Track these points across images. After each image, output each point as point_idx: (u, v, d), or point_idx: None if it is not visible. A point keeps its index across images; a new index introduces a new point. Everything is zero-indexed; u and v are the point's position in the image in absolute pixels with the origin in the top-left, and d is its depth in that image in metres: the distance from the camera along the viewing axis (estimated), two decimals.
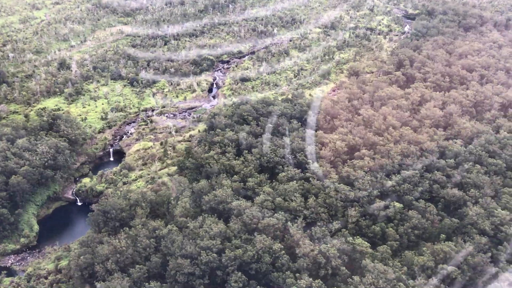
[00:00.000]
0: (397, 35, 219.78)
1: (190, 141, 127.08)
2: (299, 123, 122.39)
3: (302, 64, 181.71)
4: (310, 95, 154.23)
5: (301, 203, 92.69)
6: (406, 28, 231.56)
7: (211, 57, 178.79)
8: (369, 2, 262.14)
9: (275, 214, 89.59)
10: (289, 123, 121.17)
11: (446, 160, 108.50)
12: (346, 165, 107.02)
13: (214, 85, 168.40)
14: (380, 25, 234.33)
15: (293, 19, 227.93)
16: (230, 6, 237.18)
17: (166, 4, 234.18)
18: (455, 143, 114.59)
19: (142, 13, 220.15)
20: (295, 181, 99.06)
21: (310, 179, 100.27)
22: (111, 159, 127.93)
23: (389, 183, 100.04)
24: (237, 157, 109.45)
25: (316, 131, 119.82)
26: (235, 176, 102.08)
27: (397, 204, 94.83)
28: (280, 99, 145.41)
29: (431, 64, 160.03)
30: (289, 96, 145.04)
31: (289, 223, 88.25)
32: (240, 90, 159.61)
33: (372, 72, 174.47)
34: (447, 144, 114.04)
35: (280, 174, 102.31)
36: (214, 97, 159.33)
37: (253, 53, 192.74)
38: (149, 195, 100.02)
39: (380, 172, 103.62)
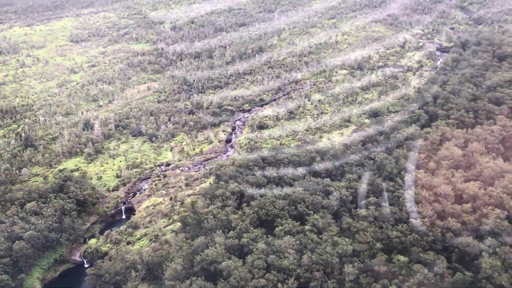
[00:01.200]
0: (427, 71, 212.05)
1: (200, 194, 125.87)
2: (305, 171, 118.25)
3: (323, 108, 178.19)
4: (328, 139, 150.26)
5: (294, 261, 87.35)
6: (439, 63, 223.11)
7: (231, 108, 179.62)
8: (400, 39, 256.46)
9: (267, 274, 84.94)
10: (294, 171, 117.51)
11: (462, 204, 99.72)
12: (348, 215, 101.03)
13: (233, 135, 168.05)
14: (410, 61, 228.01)
15: (318, 62, 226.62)
16: (257, 55, 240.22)
17: (194, 58, 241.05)
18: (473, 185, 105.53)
19: (171, 69, 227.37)
20: (289, 236, 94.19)
21: (307, 232, 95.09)
22: (123, 217, 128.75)
23: (394, 233, 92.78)
24: (237, 210, 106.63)
25: (323, 179, 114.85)
26: (231, 231, 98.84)
27: (401, 258, 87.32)
28: (292, 145, 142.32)
29: (455, 100, 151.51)
30: (300, 143, 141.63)
31: (279, 285, 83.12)
32: (256, 138, 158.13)
33: (397, 112, 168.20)
34: (465, 187, 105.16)
35: (276, 228, 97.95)
36: (232, 147, 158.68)
37: (275, 100, 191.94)
38: (146, 255, 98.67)
39: (386, 221, 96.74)
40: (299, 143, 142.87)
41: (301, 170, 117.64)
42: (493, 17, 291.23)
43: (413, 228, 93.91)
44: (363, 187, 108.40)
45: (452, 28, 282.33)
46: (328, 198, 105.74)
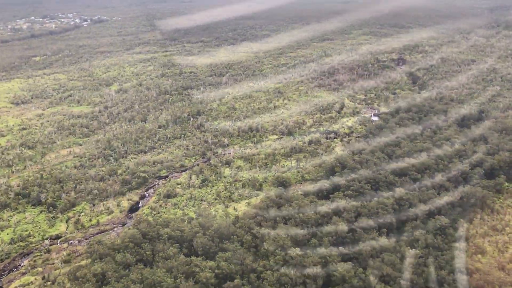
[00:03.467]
0: (355, 137, 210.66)
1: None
2: (178, 249, 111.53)
3: (239, 176, 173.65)
4: (234, 209, 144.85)
5: None
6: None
7: (144, 175, 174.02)
8: (337, 105, 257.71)
9: None
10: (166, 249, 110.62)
11: None
12: None
13: (140, 204, 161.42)
14: (343, 127, 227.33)
15: (250, 128, 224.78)
16: (192, 119, 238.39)
17: (128, 121, 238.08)
18: None
19: (100, 132, 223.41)
20: None
21: None
22: None
23: None
24: None
25: (197, 257, 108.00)
26: None
27: None
28: (186, 218, 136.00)
29: (360, 171, 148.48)
30: (194, 216, 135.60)
31: None
32: (160, 208, 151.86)
33: (309, 180, 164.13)
34: None
35: None
36: (131, 218, 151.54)
37: (194, 166, 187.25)
38: None
39: None
40: (194, 216, 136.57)
41: (171, 249, 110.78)
42: (435, 82, 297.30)
43: None
44: (229, 267, 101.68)
45: (394, 93, 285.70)
46: (191, 280, 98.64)
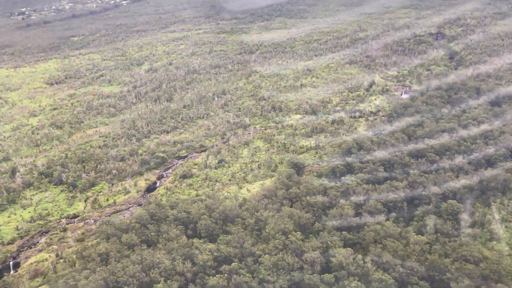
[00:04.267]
0: (381, 117, 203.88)
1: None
2: (182, 231, 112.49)
3: (257, 156, 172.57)
4: (247, 190, 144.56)
5: None
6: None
7: (162, 155, 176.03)
8: (366, 83, 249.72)
9: None
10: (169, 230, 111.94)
11: None
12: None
13: (157, 184, 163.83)
14: (370, 106, 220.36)
15: (273, 107, 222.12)
16: (216, 99, 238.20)
17: (155, 101, 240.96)
18: None
19: (126, 112, 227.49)
20: None
21: None
22: (11, 272, 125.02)
23: None
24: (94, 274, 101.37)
25: (199, 239, 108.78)
26: None
27: None
28: (196, 199, 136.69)
29: (376, 152, 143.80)
30: (204, 197, 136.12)
31: None
32: (175, 188, 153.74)
33: (325, 161, 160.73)
34: None
35: None
36: (147, 198, 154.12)
37: (213, 147, 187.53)
38: None
39: None
40: (203, 197, 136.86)
41: (174, 231, 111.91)
42: (473, 58, 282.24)
43: None
44: (227, 250, 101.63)
45: (428, 70, 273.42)
46: (189, 263, 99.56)
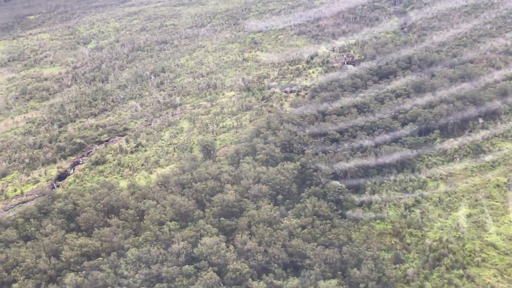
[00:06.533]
0: (315, 91, 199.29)
1: None
2: (60, 226, 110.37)
3: (177, 138, 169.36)
4: (155, 173, 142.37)
5: None
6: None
7: (80, 141, 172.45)
8: (306, 54, 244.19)
9: None
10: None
11: None
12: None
13: (72, 171, 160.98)
14: (306, 79, 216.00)
15: (208, 85, 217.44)
16: (153, 77, 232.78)
17: (90, 82, 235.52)
18: None
19: (58, 96, 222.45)
20: None
21: None
22: None
23: None
24: None
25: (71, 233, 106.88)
26: None
27: None
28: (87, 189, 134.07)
29: (276, 133, 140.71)
30: (99, 185, 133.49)
31: None
32: (85, 176, 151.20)
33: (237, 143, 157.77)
34: None
35: None
36: (58, 186, 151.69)
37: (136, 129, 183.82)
38: None
39: None
40: (98, 186, 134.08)
41: (49, 226, 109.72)
42: (424, 23, 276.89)
43: None
44: (95, 245, 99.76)
45: (378, 38, 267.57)
46: (53, 259, 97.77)
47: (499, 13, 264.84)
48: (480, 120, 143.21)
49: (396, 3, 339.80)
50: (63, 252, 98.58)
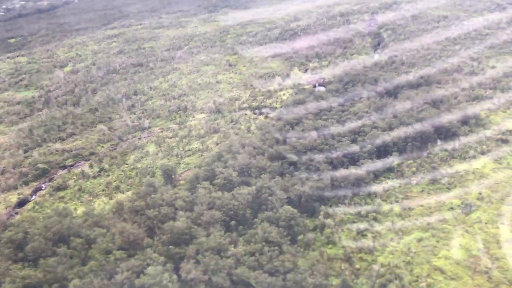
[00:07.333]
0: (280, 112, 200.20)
1: None
2: (7, 256, 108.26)
3: (140, 163, 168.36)
4: (105, 203, 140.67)
5: None
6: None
7: (43, 166, 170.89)
8: (278, 78, 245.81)
9: None
10: None
11: None
12: None
13: (33, 198, 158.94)
14: (276, 101, 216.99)
15: (178, 107, 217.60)
16: (124, 101, 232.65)
17: (61, 106, 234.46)
18: None
19: (28, 120, 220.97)
20: None
21: None
22: None
23: None
24: None
25: (17, 263, 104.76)
26: None
27: None
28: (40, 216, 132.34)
29: (235, 158, 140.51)
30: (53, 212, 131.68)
31: None
32: (45, 202, 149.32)
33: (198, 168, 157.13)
34: None
35: None
36: (17, 213, 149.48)
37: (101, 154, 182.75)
38: None
39: None
40: (52, 213, 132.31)
41: None
42: (396, 44, 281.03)
43: None
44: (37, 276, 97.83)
45: (350, 59, 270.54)
46: None
47: (468, 35, 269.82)
48: (439, 142, 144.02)
49: (371, 24, 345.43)
50: (3, 284, 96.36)
